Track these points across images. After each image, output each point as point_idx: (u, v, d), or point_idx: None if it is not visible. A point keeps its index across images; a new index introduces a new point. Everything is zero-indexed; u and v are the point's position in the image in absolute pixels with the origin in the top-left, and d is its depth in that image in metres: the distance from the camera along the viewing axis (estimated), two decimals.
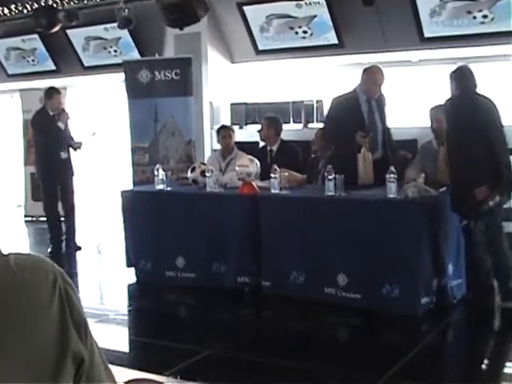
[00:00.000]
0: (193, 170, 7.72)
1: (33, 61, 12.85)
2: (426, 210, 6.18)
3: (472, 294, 6.48)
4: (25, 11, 12.23)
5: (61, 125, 9.37)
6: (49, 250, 9.40)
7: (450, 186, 6.41)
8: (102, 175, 13.09)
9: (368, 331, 6.10)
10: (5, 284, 1.33)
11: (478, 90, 6.35)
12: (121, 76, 10.69)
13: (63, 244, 9.62)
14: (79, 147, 9.58)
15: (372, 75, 7.22)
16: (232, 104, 10.85)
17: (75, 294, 1.43)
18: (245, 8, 10.39)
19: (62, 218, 9.71)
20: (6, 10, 12.48)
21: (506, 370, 5.38)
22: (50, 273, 1.41)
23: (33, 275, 1.38)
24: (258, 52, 10.68)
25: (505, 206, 6.52)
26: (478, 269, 6.28)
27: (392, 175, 6.35)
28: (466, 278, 6.57)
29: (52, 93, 9.56)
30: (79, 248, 9.59)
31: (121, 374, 1.53)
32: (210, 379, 4.67)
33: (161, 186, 7.66)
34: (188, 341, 5.72)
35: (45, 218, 9.86)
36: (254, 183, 7.16)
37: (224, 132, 8.64)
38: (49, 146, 9.37)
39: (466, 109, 6.24)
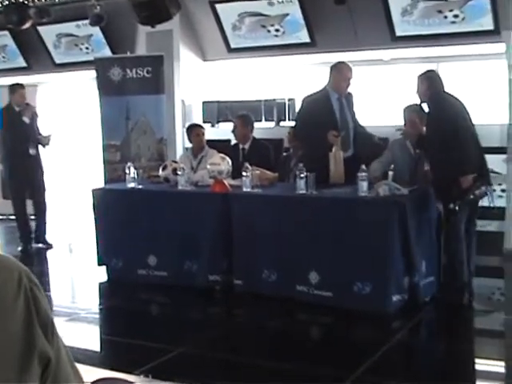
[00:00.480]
0: (164, 168, 7.72)
1: (3, 57, 12.74)
2: (397, 208, 6.21)
3: (445, 289, 6.55)
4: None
5: (26, 119, 9.26)
6: (19, 248, 9.33)
7: (433, 175, 6.54)
8: (73, 173, 13.01)
9: (339, 329, 6.12)
10: None
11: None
12: (92, 73, 10.64)
13: (33, 242, 9.56)
14: (47, 143, 9.46)
15: (340, 71, 7.26)
16: (204, 102, 10.83)
17: (41, 293, 1.41)
18: (217, 6, 10.37)
19: (33, 217, 9.64)
20: None
21: (477, 368, 5.42)
22: (15, 272, 1.40)
23: None
24: (230, 50, 10.67)
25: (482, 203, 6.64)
26: (455, 258, 6.39)
27: (363, 173, 6.38)
28: (442, 269, 6.65)
29: (15, 88, 9.48)
30: (50, 246, 9.53)
31: (90, 373, 1.53)
32: (181, 378, 4.66)
33: (132, 184, 7.64)
34: (159, 339, 5.71)
35: (14, 217, 9.78)
36: (225, 181, 7.16)
37: (195, 130, 8.62)
38: (15, 142, 9.29)
39: (449, 106, 6.42)
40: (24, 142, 9.26)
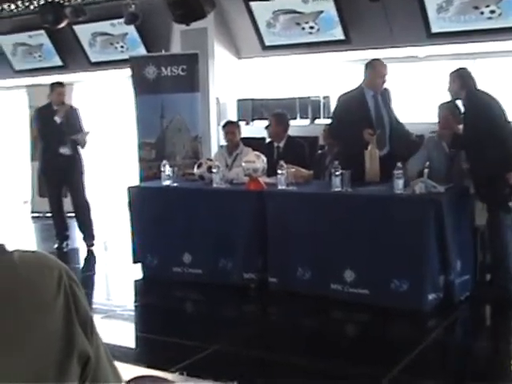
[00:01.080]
0: (199, 166, 7.73)
1: (40, 56, 12.86)
2: (433, 206, 6.17)
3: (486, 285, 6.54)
4: (31, 7, 12.25)
5: (57, 119, 9.26)
6: (55, 246, 9.40)
7: (473, 173, 6.49)
8: (109, 171, 13.09)
9: (375, 327, 6.10)
10: (9, 281, 1.33)
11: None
12: (127, 72, 10.70)
13: (69, 240, 9.61)
14: (82, 143, 9.41)
15: (375, 68, 7.22)
16: (238, 100, 10.84)
17: (80, 291, 1.42)
18: (251, 3, 10.37)
19: (72, 214, 9.66)
20: (13, 6, 12.49)
21: None
22: (55, 269, 1.40)
23: (37, 272, 1.38)
24: (265, 48, 10.67)
25: None
26: (503, 253, 6.37)
27: (399, 171, 6.34)
28: (478, 267, 6.62)
29: (53, 86, 9.51)
30: (92, 245, 9.53)
31: (126, 370, 1.53)
32: (216, 376, 4.65)
33: (167, 182, 7.67)
34: (194, 337, 5.72)
35: (50, 214, 9.85)
36: (260, 179, 7.15)
37: (230, 128, 8.63)
38: (46, 141, 9.35)
39: (484, 104, 6.39)
40: (53, 141, 9.27)
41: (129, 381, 2.00)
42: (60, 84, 9.54)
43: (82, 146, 9.43)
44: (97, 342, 1.42)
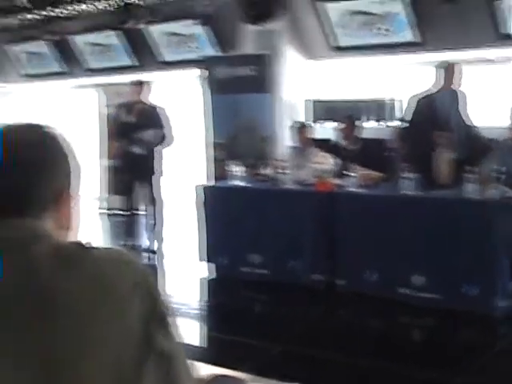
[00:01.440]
0: (269, 166, 7.76)
1: (113, 56, 13.02)
2: (505, 211, 6.08)
3: None
4: (107, 8, 12.44)
5: (130, 117, 9.30)
6: (123, 243, 9.46)
7: None
8: (178, 170, 13.18)
9: (443, 331, 6.03)
10: (88, 276, 1.37)
11: None
12: (198, 72, 10.77)
13: (138, 238, 9.69)
14: (150, 141, 9.37)
15: (448, 70, 7.14)
16: (307, 101, 10.81)
17: (157, 288, 1.46)
18: (322, 5, 10.33)
19: (143, 213, 9.73)
20: (89, 7, 12.71)
21: None
22: (132, 266, 1.45)
23: (115, 268, 1.42)
24: (335, 49, 10.62)
25: None
26: None
27: (470, 175, 6.27)
28: None
29: (131, 84, 9.60)
30: (161, 242, 9.60)
31: (197, 368, 1.56)
32: (282, 376, 4.68)
33: (237, 182, 7.71)
34: (263, 337, 5.75)
35: (121, 212, 9.96)
36: (329, 180, 7.15)
37: (299, 129, 8.64)
38: (118, 139, 9.42)
39: None
40: (124, 140, 9.32)
41: (207, 379, 2.03)
42: (136, 82, 9.59)
43: (152, 146, 9.41)
44: (173, 340, 1.45)
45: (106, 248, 1.48)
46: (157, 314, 1.42)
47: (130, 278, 1.41)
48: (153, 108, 9.58)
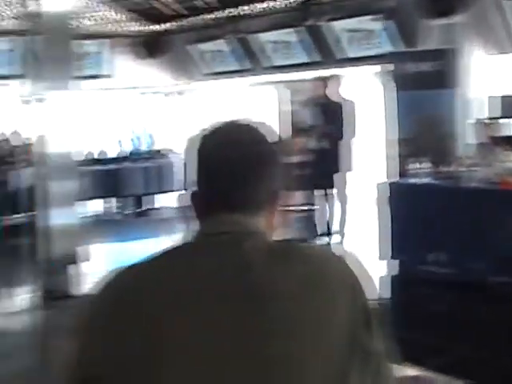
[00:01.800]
0: (452, 163, 7.59)
1: (298, 52, 13.13)
2: None
3: None
4: (288, 5, 12.58)
5: (314, 112, 9.30)
6: (304, 238, 9.51)
7: None
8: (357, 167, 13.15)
9: None
10: (299, 273, 1.40)
11: None
12: (376, 68, 10.69)
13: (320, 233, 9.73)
14: (334, 135, 9.31)
15: None
16: (492, 97, 10.47)
17: (362, 288, 1.48)
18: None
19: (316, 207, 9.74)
20: (272, 3, 12.89)
21: None
22: (342, 265, 1.48)
23: (326, 266, 1.45)
24: None
25: None
26: None
27: None
28: None
29: (314, 80, 9.66)
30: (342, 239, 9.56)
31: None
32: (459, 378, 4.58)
33: (421, 179, 7.59)
34: (443, 337, 5.63)
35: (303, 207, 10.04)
36: None
37: (484, 126, 8.42)
38: (302, 136, 9.48)
39: None
40: (307, 135, 9.34)
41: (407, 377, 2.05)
42: (320, 78, 9.61)
43: (336, 140, 9.38)
44: (379, 339, 1.47)
45: (315, 246, 1.52)
46: (364, 314, 1.45)
47: (340, 276, 1.44)
48: (335, 103, 9.55)
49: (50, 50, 7.18)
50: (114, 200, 14.79)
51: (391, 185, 7.95)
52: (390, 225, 7.77)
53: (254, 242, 1.40)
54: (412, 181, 7.90)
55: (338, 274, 1.44)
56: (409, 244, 7.57)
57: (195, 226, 1.49)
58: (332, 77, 9.65)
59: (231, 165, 1.43)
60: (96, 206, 14.12)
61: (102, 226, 12.41)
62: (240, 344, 1.31)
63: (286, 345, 1.33)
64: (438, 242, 7.29)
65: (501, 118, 10.03)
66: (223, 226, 1.43)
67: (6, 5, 12.95)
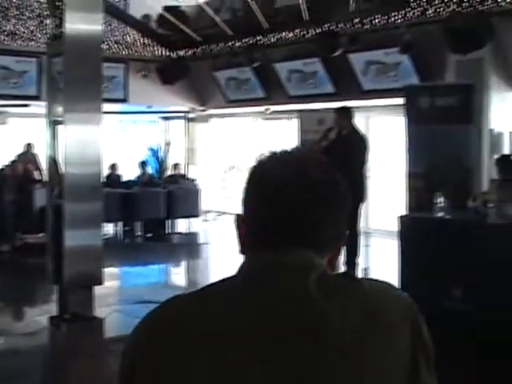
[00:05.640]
0: (475, 199, 7.57)
1: (313, 83, 13.23)
2: None
3: None
4: (308, 35, 12.68)
5: (323, 142, 9.37)
6: None
7: None
8: (379, 199, 13.16)
9: None
10: (364, 307, 1.38)
11: None
12: (396, 100, 10.73)
13: None
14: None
15: None
16: None
17: (424, 324, 1.46)
18: None
19: None
20: (291, 34, 13.00)
21: None
22: (402, 300, 1.47)
23: (386, 301, 1.43)
24: None
25: None
26: None
27: None
28: None
29: (332, 111, 9.73)
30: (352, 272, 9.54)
31: None
32: None
33: (440, 213, 7.57)
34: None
35: None
36: None
37: (503, 162, 8.40)
38: None
39: None
40: None
41: None
42: (337, 109, 9.63)
43: (346, 171, 9.40)
44: (433, 374, 1.44)
45: (372, 279, 1.49)
46: (423, 346, 1.42)
47: (400, 308, 1.43)
48: (350, 134, 9.56)
49: (82, 72, 7.24)
50: (136, 224, 14.81)
51: (405, 218, 7.92)
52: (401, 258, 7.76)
53: (315, 275, 1.36)
54: (428, 215, 7.88)
55: (399, 305, 1.43)
56: (422, 278, 7.52)
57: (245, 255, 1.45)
58: (342, 109, 9.65)
59: (310, 201, 1.39)
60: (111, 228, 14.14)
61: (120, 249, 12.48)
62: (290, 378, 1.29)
63: (343, 377, 1.30)
64: (453, 277, 7.24)
65: None
66: (288, 257, 1.39)
67: (37, 27, 13.18)
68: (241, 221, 1.47)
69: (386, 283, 1.50)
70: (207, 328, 1.33)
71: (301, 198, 1.38)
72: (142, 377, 1.35)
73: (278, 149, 1.50)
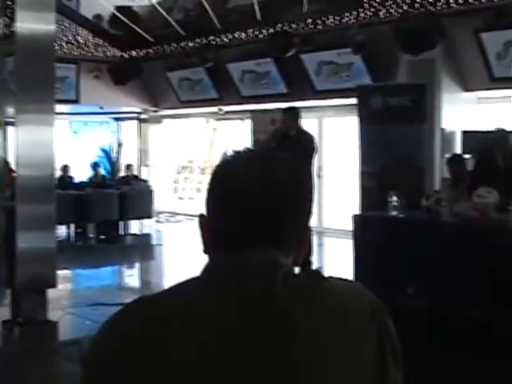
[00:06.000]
0: (428, 197, 7.64)
1: (266, 84, 13.25)
2: None
3: None
4: (261, 36, 12.70)
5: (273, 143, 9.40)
6: None
7: None
8: (333, 198, 13.24)
9: None
10: (330, 306, 1.38)
11: None
12: (349, 101, 10.80)
13: None
14: None
15: None
16: (464, 132, 10.63)
17: (390, 320, 1.46)
18: (482, 34, 10.18)
19: None
20: (243, 34, 13.01)
21: None
22: (368, 299, 1.46)
23: (352, 300, 1.43)
24: (494, 79, 10.42)
25: None
26: None
27: None
28: None
29: (279, 111, 9.75)
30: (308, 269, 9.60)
31: None
32: None
33: (393, 212, 7.63)
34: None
35: None
36: (490, 214, 6.96)
37: (454, 162, 8.49)
38: None
39: None
40: None
41: None
42: (283, 110, 9.65)
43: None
44: (401, 373, 1.44)
45: (340, 278, 1.48)
46: (390, 343, 1.42)
47: (367, 306, 1.43)
48: (298, 134, 9.57)
49: (34, 72, 7.13)
50: (89, 225, 14.67)
51: (358, 217, 7.97)
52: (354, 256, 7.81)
53: (280, 275, 1.35)
54: (381, 214, 7.94)
55: (366, 305, 1.43)
56: (373, 276, 7.57)
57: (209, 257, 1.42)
58: (289, 109, 9.65)
59: (267, 196, 1.37)
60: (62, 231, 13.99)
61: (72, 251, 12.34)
62: (257, 375, 1.29)
63: (308, 375, 1.30)
64: (405, 275, 7.29)
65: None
66: (252, 259, 1.37)
67: None
68: (204, 221, 1.44)
69: (354, 282, 1.50)
70: (175, 331, 1.32)
71: (265, 199, 1.37)
72: None
73: (241, 148, 1.49)
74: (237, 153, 1.47)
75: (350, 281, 1.50)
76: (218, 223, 1.41)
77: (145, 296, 1.43)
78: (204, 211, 1.45)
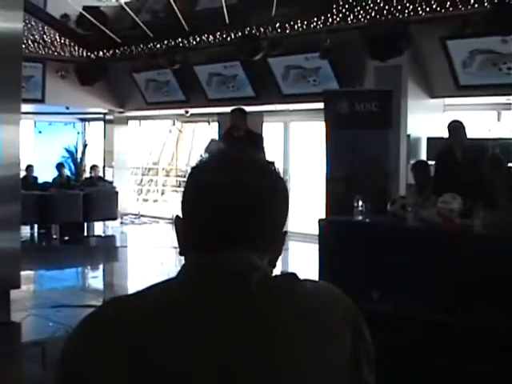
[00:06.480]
0: (393, 203, 7.69)
1: (233, 87, 13.26)
2: None
3: None
4: (228, 39, 12.70)
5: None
6: None
7: None
8: (300, 203, 13.27)
9: None
10: (302, 306, 1.40)
11: None
12: (317, 105, 10.82)
13: None
14: None
15: None
16: (429, 138, 10.73)
17: (364, 323, 1.48)
18: (448, 42, 10.27)
19: None
20: (211, 37, 13.00)
21: None
22: (343, 302, 1.48)
23: (327, 302, 1.45)
24: (460, 87, 10.52)
25: None
26: None
27: None
28: None
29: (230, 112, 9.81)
30: None
31: None
32: None
33: (359, 217, 7.68)
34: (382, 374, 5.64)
35: None
36: (455, 219, 7.03)
37: (419, 167, 8.56)
38: None
39: None
40: None
41: None
42: (231, 111, 9.69)
43: None
44: (374, 373, 1.46)
45: (318, 282, 1.50)
46: (364, 345, 1.45)
47: (341, 308, 1.45)
48: (248, 134, 9.61)
49: (1, 71, 7.06)
50: (53, 226, 14.55)
51: (321, 221, 8.00)
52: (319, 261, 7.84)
53: (256, 277, 1.36)
54: (346, 218, 7.98)
55: (339, 306, 1.44)
56: (341, 280, 7.57)
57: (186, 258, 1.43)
58: (237, 110, 9.70)
59: (242, 200, 1.38)
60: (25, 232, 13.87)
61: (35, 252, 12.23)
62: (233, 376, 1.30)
63: (283, 375, 1.31)
64: (371, 280, 7.33)
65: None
66: (228, 263, 1.38)
67: None
68: (180, 223, 1.45)
69: (328, 284, 1.51)
70: (154, 332, 1.32)
71: (240, 202, 1.38)
72: None
73: (216, 150, 1.50)
74: (212, 156, 1.48)
75: (325, 283, 1.52)
76: (194, 226, 1.42)
77: (119, 297, 1.43)
78: (180, 214, 1.45)
